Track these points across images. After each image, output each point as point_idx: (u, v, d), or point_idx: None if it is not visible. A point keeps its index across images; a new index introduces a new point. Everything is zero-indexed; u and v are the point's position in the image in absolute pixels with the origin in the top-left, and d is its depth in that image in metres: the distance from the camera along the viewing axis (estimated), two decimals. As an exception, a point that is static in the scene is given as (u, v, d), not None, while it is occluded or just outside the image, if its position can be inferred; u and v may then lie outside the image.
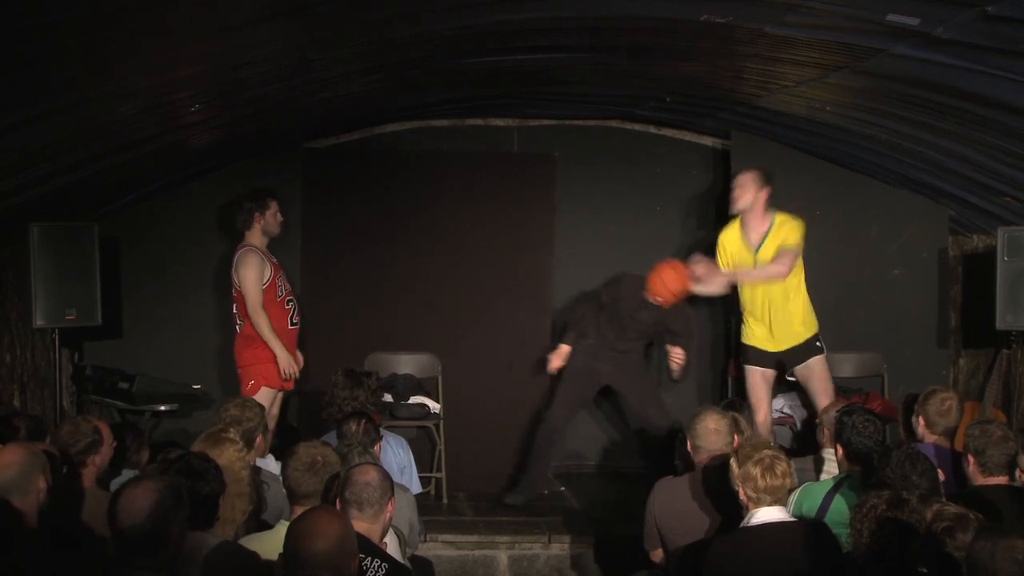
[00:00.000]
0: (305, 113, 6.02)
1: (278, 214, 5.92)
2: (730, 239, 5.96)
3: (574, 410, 6.38)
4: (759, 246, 5.83)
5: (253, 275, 5.75)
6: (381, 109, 6.69)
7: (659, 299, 5.99)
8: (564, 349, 6.18)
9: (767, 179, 5.85)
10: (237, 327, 5.91)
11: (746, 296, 5.93)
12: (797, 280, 5.85)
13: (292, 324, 5.94)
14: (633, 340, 6.22)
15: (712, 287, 5.98)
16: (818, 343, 5.93)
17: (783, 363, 5.95)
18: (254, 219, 5.86)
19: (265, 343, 5.77)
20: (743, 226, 5.91)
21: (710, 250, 6.15)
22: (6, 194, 4.86)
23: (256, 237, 5.87)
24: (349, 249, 6.90)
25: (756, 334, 5.93)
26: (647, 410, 6.25)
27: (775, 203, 6.02)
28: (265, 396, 5.76)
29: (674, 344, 6.21)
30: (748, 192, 5.83)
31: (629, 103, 6.72)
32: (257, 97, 4.97)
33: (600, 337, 6.17)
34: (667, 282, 5.94)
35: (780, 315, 5.85)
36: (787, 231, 5.78)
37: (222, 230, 6.77)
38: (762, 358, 5.94)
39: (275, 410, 5.87)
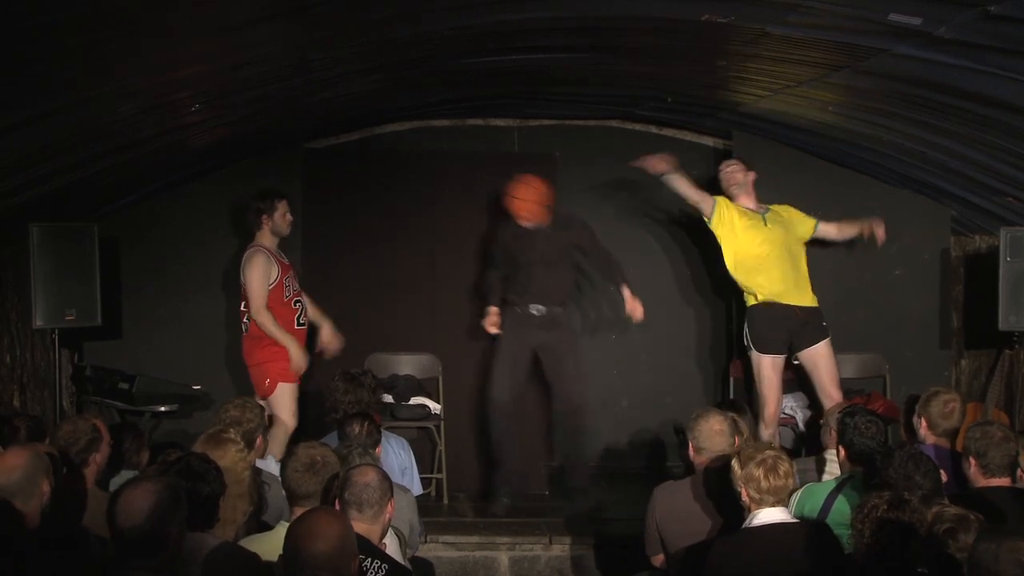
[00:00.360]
0: (305, 113, 6.02)
1: (287, 214, 5.91)
2: (731, 206, 6.00)
3: (519, 387, 6.13)
4: (764, 214, 5.99)
5: (258, 276, 5.74)
6: (381, 109, 6.68)
7: (531, 217, 5.92)
8: (493, 309, 6.02)
9: (748, 165, 6.12)
10: (244, 327, 5.89)
11: (760, 250, 5.91)
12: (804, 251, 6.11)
13: (299, 324, 5.92)
14: (555, 277, 6.00)
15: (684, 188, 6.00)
16: (824, 323, 5.97)
17: (794, 341, 5.91)
18: (262, 220, 5.85)
19: (274, 341, 5.76)
20: (737, 201, 6.02)
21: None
22: (6, 194, 4.86)
23: (266, 238, 5.87)
24: (349, 249, 6.89)
25: (775, 288, 5.89)
26: (565, 380, 6.05)
27: (777, 201, 6.15)
28: (285, 392, 5.77)
29: (610, 278, 6.18)
30: (739, 172, 6.02)
31: (629, 103, 6.71)
32: (257, 97, 4.96)
33: (522, 295, 5.99)
34: (527, 197, 5.89)
35: (798, 265, 5.98)
36: (792, 212, 6.11)
37: (222, 230, 6.77)
38: (775, 331, 5.88)
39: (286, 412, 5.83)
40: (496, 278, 6.13)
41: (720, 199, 6.03)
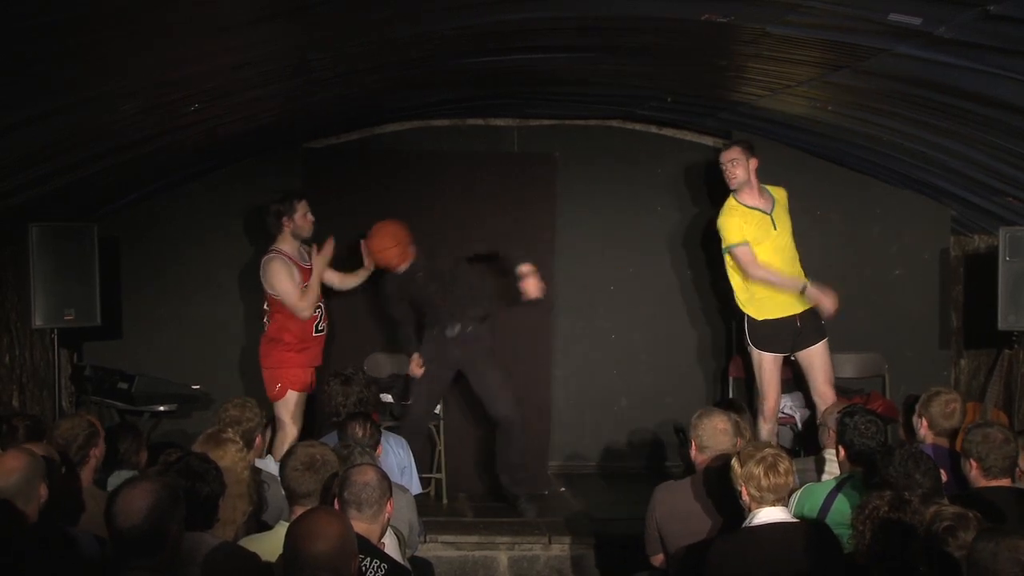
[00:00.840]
0: (305, 113, 6.02)
1: (308, 215, 5.88)
2: (742, 213, 5.91)
3: (434, 402, 6.19)
4: (771, 213, 5.93)
5: (282, 280, 5.73)
6: (381, 109, 6.68)
7: (400, 260, 5.90)
8: (415, 357, 6.06)
9: (752, 149, 5.97)
10: (262, 327, 5.89)
11: (769, 259, 5.87)
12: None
13: (317, 331, 5.93)
14: (461, 296, 5.96)
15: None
16: (823, 322, 5.96)
17: (794, 343, 5.91)
18: (283, 223, 5.82)
19: (290, 346, 5.78)
20: (743, 199, 5.93)
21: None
22: (6, 194, 4.86)
23: (287, 242, 5.85)
24: (349, 249, 6.88)
25: (776, 299, 5.87)
26: (492, 391, 6.02)
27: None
28: (294, 399, 5.78)
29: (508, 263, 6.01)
30: (741, 165, 5.90)
31: (629, 103, 6.71)
32: (257, 97, 4.96)
33: (437, 320, 6.01)
34: (386, 246, 5.86)
35: (797, 264, 5.94)
36: (787, 211, 6.03)
37: (222, 230, 6.78)
38: (776, 335, 5.89)
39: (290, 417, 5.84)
40: (407, 330, 6.16)
41: (734, 216, 5.93)
